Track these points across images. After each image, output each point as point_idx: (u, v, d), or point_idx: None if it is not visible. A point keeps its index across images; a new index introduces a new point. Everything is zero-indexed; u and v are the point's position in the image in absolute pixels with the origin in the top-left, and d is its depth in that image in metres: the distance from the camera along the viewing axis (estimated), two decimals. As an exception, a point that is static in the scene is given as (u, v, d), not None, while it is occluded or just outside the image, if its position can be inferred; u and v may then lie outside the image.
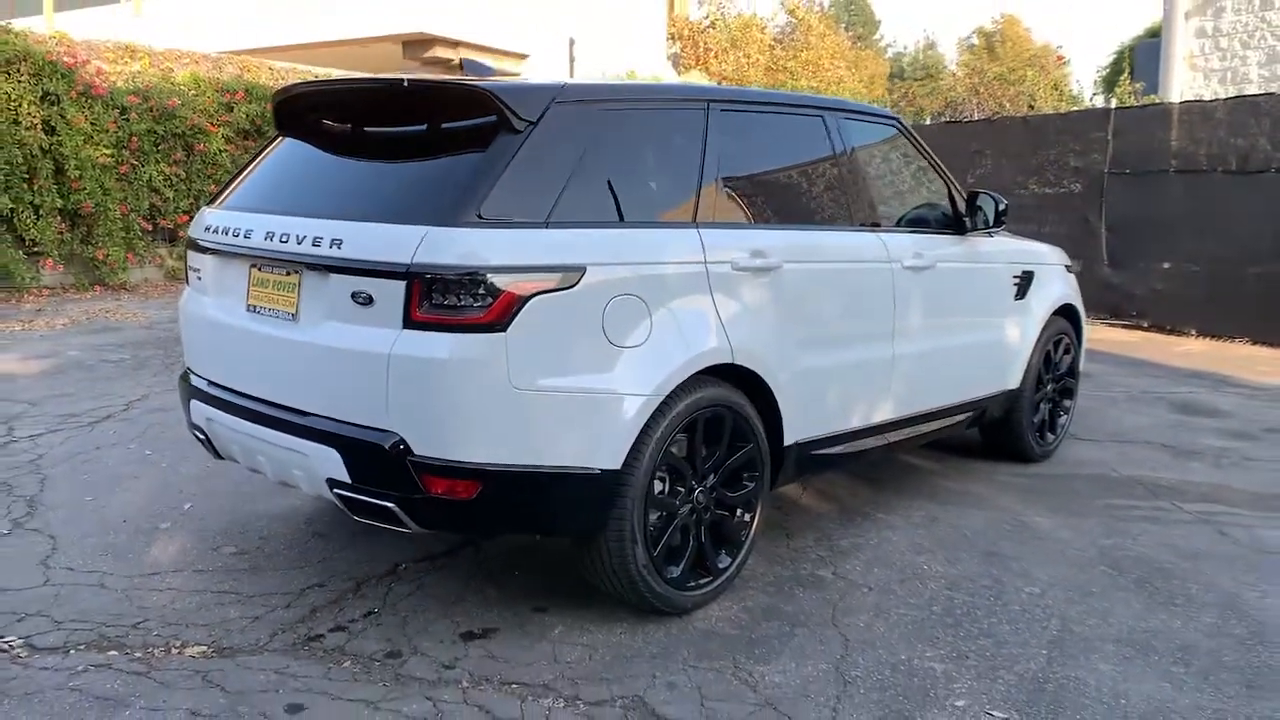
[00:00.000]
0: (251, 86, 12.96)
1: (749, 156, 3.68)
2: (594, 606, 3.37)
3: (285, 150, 3.55)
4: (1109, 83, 26.84)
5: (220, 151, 12.27)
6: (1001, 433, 5.20)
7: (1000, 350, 4.83)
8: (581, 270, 2.92)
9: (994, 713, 2.81)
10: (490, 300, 2.76)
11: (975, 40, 49.88)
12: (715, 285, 3.29)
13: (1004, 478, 5.07)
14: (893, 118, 4.43)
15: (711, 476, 3.38)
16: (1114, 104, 13.46)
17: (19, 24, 25.50)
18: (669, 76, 25.00)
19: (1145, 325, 10.36)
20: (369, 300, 2.84)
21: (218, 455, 3.53)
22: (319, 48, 24.41)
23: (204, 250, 3.46)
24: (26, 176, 10.07)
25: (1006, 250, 4.87)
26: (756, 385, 3.47)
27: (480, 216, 2.82)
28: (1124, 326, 10.44)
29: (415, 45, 24.36)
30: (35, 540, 3.88)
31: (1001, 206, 4.50)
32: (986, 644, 3.23)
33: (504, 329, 2.78)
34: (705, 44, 32.59)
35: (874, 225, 4.05)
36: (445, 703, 2.78)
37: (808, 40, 33.98)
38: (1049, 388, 5.33)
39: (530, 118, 2.97)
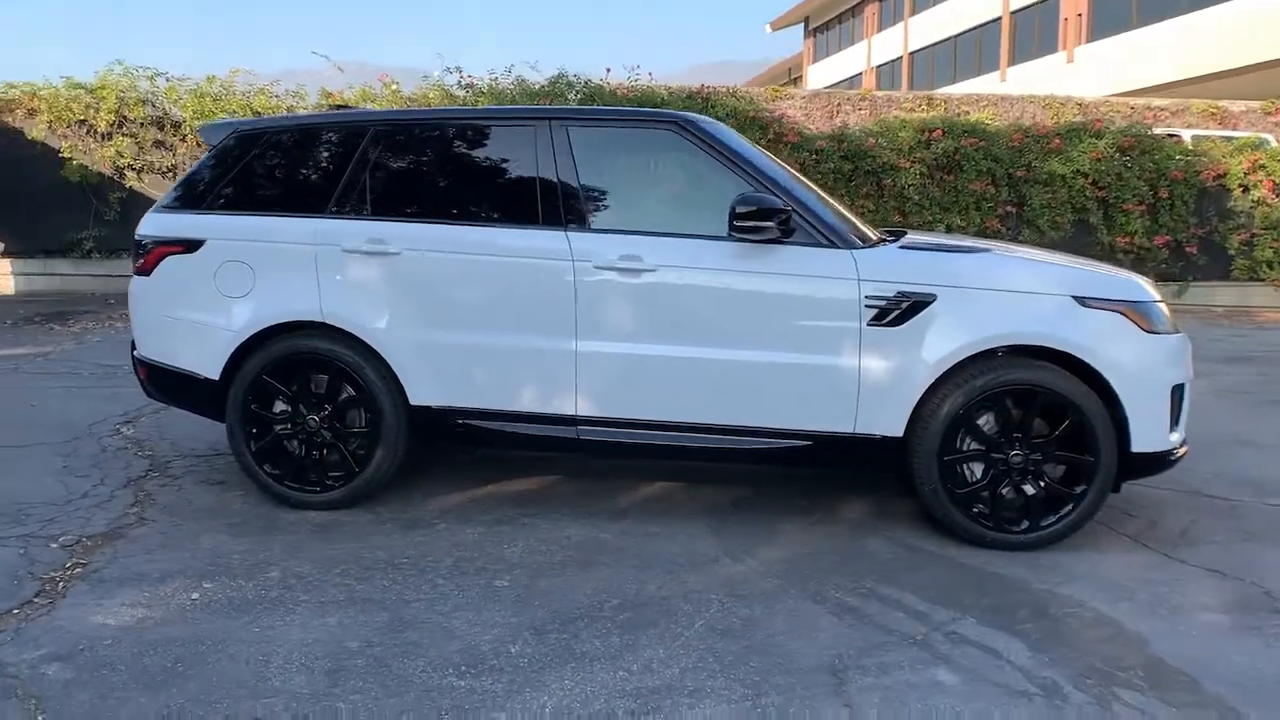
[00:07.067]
0: (950, 123, 13.94)
1: (402, 165, 4.42)
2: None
3: None
4: None
5: (908, 185, 13.55)
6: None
7: (819, 379, 4.08)
8: (201, 241, 4.45)
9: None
10: (144, 257, 4.54)
11: None
12: (321, 262, 4.34)
13: (876, 545, 4.22)
14: (670, 121, 4.29)
15: (327, 408, 4.41)
16: None
17: (978, 81, 29.90)
18: None
19: None
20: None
21: None
22: (1212, 79, 23.26)
23: None
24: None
25: (866, 263, 4.07)
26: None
27: (164, 206, 4.60)
28: None
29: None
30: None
31: (751, 208, 3.96)
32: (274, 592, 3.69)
33: (148, 275, 4.53)
34: None
35: (569, 225, 4.23)
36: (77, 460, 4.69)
37: None
38: (1011, 455, 4.08)
39: (211, 144, 4.59)
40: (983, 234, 13.51)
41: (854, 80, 39.34)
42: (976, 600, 3.63)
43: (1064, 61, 28.42)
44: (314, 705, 2.82)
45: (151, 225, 4.59)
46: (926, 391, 4.07)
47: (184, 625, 3.31)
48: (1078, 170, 13.52)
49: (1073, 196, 13.55)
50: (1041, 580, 3.82)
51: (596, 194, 4.34)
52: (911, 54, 36.82)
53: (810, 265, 4.11)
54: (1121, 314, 4.05)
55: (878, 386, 4.09)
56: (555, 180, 4.28)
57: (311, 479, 4.45)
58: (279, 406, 4.46)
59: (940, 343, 4.03)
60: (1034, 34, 29.94)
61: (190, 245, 4.46)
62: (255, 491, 4.58)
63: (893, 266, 4.11)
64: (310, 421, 4.41)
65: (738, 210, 4.00)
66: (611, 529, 4.29)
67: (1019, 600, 3.65)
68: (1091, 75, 25.56)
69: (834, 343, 4.09)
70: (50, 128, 11.75)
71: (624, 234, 4.25)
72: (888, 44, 38.63)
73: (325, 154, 4.54)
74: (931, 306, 4.04)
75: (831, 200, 4.80)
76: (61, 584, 3.63)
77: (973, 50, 32.86)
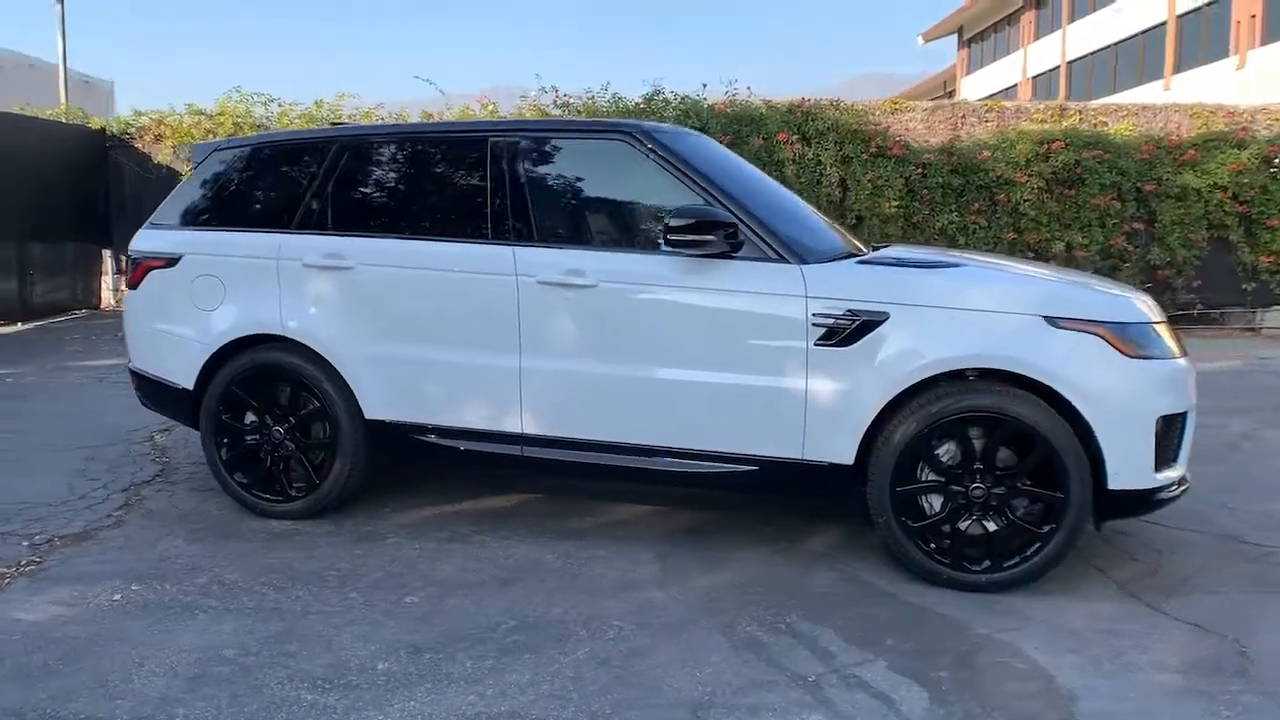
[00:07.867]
0: (1071, 134, 13.18)
1: (360, 180, 4.46)
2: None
3: None
4: None
5: (1024, 201, 12.86)
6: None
7: (764, 402, 3.87)
8: (179, 256, 4.64)
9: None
10: (134, 271, 4.78)
11: None
12: (283, 276, 4.45)
13: (823, 578, 3.99)
14: (623, 132, 4.17)
15: (291, 420, 4.52)
16: None
17: (1140, 90, 28.36)
18: None
19: None
20: None
21: None
22: None
23: None
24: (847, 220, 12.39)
25: (815, 279, 3.84)
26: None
27: (153, 223, 4.83)
28: None
29: None
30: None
31: (687, 221, 3.82)
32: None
33: (136, 288, 4.76)
34: None
35: (516, 239, 4.19)
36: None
37: None
38: (971, 488, 3.77)
39: (196, 162, 4.78)
40: (1106, 252, 12.70)
41: (1009, 92, 37.76)
42: (900, 643, 3.36)
43: (1234, 68, 26.47)
44: (156, 710, 2.85)
45: (140, 241, 4.82)
46: (879, 417, 3.81)
47: (90, 625, 3.42)
48: (1215, 183, 12.55)
49: (1209, 212, 12.60)
50: (986, 624, 3.51)
51: (547, 207, 4.28)
52: (1069, 63, 35.06)
53: (755, 281, 3.92)
54: (1098, 335, 3.68)
55: (826, 410, 3.86)
56: (504, 194, 4.24)
57: (277, 489, 4.54)
58: (248, 417, 4.58)
59: (891, 365, 3.77)
60: (1202, 39, 28.03)
61: (170, 260, 4.66)
62: (232, 500, 4.72)
63: (843, 283, 3.88)
64: (275, 433, 4.51)
65: (671, 224, 3.86)
66: (556, 550, 4.20)
67: (949, 645, 3.35)
68: (1266, 81, 23.69)
69: (779, 363, 3.89)
70: (174, 152, 12.60)
71: (570, 248, 4.17)
72: (1045, 53, 36.91)
73: (292, 170, 4.65)
74: (883, 326, 3.78)
75: (813, 213, 4.60)
76: (7, 580, 3.82)
77: (1135, 58, 31.05)
